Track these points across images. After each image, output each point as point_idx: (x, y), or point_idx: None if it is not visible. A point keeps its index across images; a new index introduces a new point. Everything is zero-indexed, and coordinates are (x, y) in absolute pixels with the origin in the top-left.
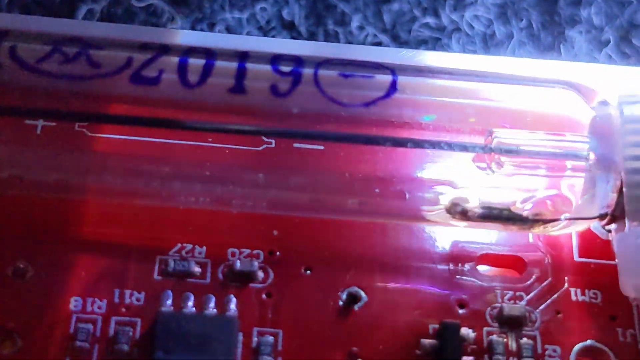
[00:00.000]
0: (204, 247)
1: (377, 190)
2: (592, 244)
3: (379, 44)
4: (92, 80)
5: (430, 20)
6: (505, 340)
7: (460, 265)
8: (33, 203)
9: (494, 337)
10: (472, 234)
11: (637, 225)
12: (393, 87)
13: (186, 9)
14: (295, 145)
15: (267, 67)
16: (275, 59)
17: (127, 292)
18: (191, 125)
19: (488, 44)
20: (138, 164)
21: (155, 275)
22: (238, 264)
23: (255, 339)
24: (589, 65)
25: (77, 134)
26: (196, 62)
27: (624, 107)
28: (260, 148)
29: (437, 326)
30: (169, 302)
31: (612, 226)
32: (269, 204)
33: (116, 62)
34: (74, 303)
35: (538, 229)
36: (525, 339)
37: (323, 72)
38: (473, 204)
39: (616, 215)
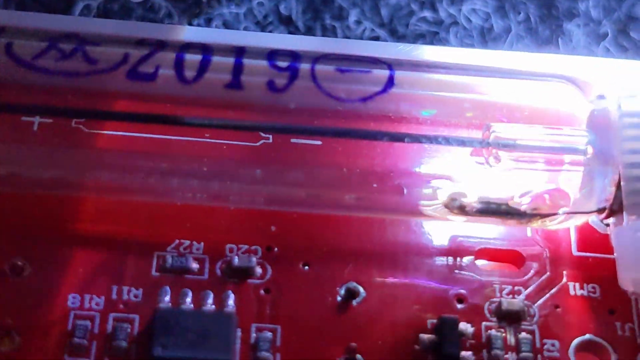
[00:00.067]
0: (202, 243)
1: (374, 185)
2: (590, 238)
3: (376, 38)
4: (89, 76)
5: (427, 14)
6: (503, 334)
7: (458, 260)
8: (30, 200)
9: (493, 331)
10: (470, 229)
11: (635, 219)
12: (390, 82)
13: (182, 3)
14: (293, 140)
15: (264, 63)
16: (272, 55)
17: (125, 288)
18: (188, 121)
19: (486, 37)
20: (135, 160)
21: (153, 272)
22: (236, 260)
23: (253, 334)
24: (587, 59)
25: (74, 131)
26: (193, 58)
27: (622, 101)
28: (258, 144)
29: (435, 321)
30: (167, 298)
31: (611, 220)
32: (266, 199)
33: (113, 58)
34: (71, 300)
35: (536, 224)
36: (523, 334)
37: (320, 67)
38: (471, 199)
39: (614, 209)
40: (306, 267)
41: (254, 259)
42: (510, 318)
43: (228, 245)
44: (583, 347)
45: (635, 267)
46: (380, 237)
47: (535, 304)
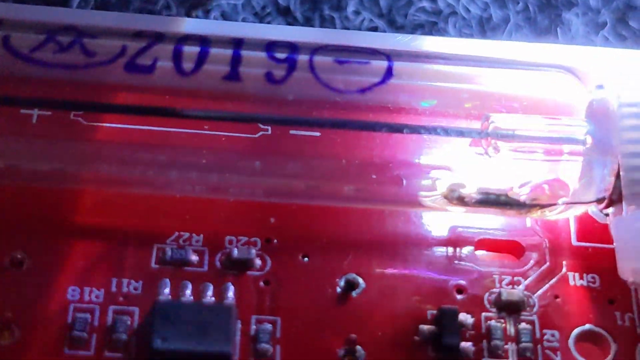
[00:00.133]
0: (201, 235)
1: (373, 176)
2: (590, 228)
3: (375, 28)
4: (87, 69)
5: (426, 4)
6: (503, 325)
7: (458, 250)
8: (29, 193)
9: (493, 322)
10: (469, 219)
11: (634, 208)
12: (389, 72)
13: None
14: (292, 132)
15: (262, 54)
16: (270, 46)
17: (125, 281)
18: (187, 113)
19: (484, 27)
20: (134, 152)
21: (153, 264)
22: (235, 252)
23: (253, 326)
24: (586, 48)
25: (72, 123)
26: (191, 50)
27: (620, 91)
28: (256, 135)
29: (435, 312)
30: (167, 290)
31: (610, 210)
32: (265, 191)
33: (111, 51)
34: (71, 292)
35: (535, 214)
36: (523, 324)
37: (318, 59)
38: (470, 190)
39: (614, 199)
40: (305, 259)
41: (254, 251)
42: (510, 308)
43: (227, 237)
44: (583, 337)
45: (635, 256)
46: (380, 228)
47: (535, 294)
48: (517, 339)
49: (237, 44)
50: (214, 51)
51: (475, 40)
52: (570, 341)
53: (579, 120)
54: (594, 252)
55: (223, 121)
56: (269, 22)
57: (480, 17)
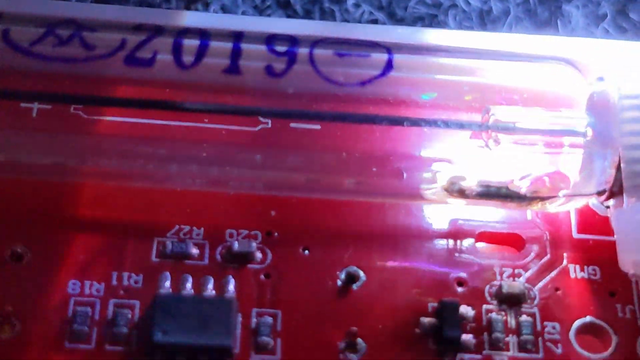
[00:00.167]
0: (202, 229)
1: (374, 169)
2: (590, 220)
3: (375, 21)
4: (87, 62)
5: None
6: (504, 317)
7: (458, 243)
8: (30, 186)
9: (493, 314)
10: (470, 212)
11: (635, 201)
12: (389, 65)
13: None
14: (292, 125)
15: (262, 47)
16: (270, 39)
17: (125, 274)
18: (187, 107)
19: (485, 20)
20: (134, 145)
21: (153, 257)
22: (236, 245)
23: (254, 319)
24: (586, 40)
25: (72, 117)
26: (191, 43)
27: (621, 83)
28: (257, 128)
29: (436, 304)
30: (167, 284)
31: (611, 202)
32: (266, 184)
33: (110, 44)
34: (71, 286)
35: (536, 206)
36: (524, 316)
37: (318, 52)
38: (471, 182)
39: (614, 191)
40: (306, 252)
41: (254, 244)
42: (511, 301)
43: (228, 231)
44: (584, 329)
45: (636, 249)
46: (380, 221)
47: (536, 287)
48: (518, 331)
49: (237, 37)
50: (213, 44)
51: (475, 33)
52: (571, 333)
53: (580, 112)
54: (595, 244)
55: (223, 114)
56: (269, 15)
57: (481, 9)
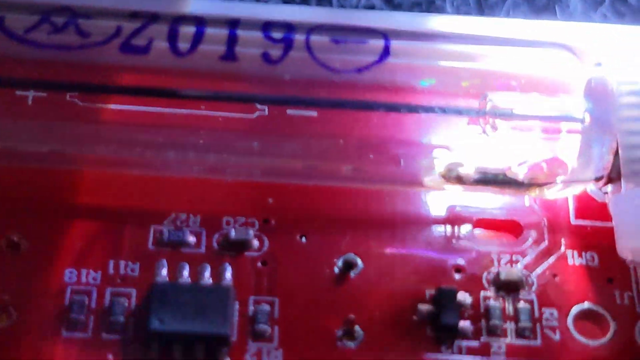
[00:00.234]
0: (199, 216)
1: (371, 156)
2: (588, 206)
3: (372, 7)
4: (82, 50)
5: None
6: (502, 304)
7: (456, 230)
8: (25, 174)
9: (491, 301)
10: (468, 199)
11: (633, 187)
12: (386, 52)
13: None
14: (289, 112)
15: (259, 34)
16: (266, 26)
17: (122, 262)
18: (183, 94)
19: (482, 5)
20: (130, 133)
21: (150, 245)
22: (233, 233)
23: (251, 307)
24: (584, 25)
25: (68, 105)
26: (187, 30)
27: (619, 68)
28: (254, 115)
29: (433, 291)
30: (164, 272)
31: (609, 188)
32: (263, 171)
33: (105, 31)
34: (68, 275)
35: (534, 193)
36: (522, 303)
37: (315, 38)
38: (468, 169)
39: (612, 177)
40: (303, 239)
41: (251, 232)
42: (509, 288)
43: (225, 218)
44: (582, 315)
45: (634, 235)
46: (378, 208)
47: (534, 273)
48: (516, 318)
49: (233, 24)
50: (209, 31)
51: (473, 18)
52: (569, 320)
53: (577, 98)
54: (593, 230)
55: (220, 101)
56: (265, 2)
57: None
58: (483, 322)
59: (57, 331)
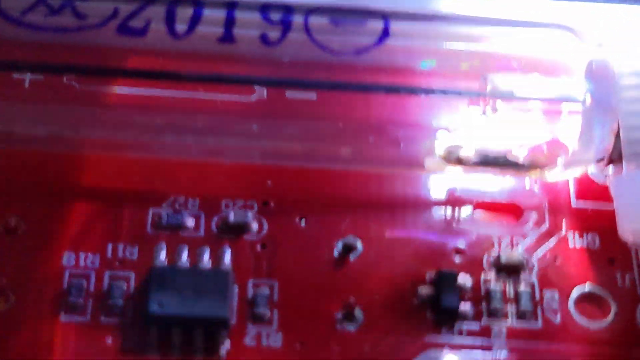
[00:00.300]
0: (197, 199)
1: (371, 138)
2: (589, 188)
3: None
4: (79, 32)
5: None
6: (503, 287)
7: (456, 212)
8: (23, 157)
9: (492, 284)
10: (468, 181)
11: (634, 168)
12: (385, 33)
13: None
14: (287, 94)
15: (257, 16)
16: (264, 7)
17: (120, 245)
18: (181, 76)
19: None
20: (128, 116)
21: (148, 228)
22: (232, 216)
23: (250, 290)
24: (586, 5)
25: (65, 87)
26: (184, 12)
27: (620, 49)
28: (252, 98)
29: (433, 274)
30: (163, 255)
31: (610, 170)
32: (262, 154)
33: (102, 13)
34: (66, 258)
35: (534, 175)
36: (523, 285)
37: (313, 20)
38: (469, 151)
39: (614, 158)
40: (303, 222)
41: (250, 214)
42: (510, 270)
43: (224, 201)
44: (583, 297)
45: (635, 217)
46: (377, 190)
47: (534, 256)
48: (516, 300)
49: (231, 5)
50: (207, 13)
51: None
52: (570, 302)
53: (578, 79)
54: (594, 212)
55: (218, 83)
56: None
57: None
58: (484, 304)
59: (55, 315)
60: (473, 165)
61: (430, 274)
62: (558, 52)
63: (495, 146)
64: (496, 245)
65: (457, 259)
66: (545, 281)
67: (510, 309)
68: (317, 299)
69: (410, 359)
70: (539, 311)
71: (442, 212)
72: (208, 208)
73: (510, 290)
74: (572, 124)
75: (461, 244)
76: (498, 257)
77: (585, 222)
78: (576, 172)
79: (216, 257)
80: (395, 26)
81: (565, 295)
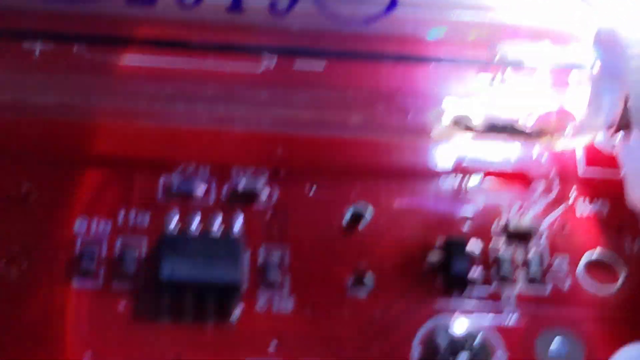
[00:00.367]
0: (208, 167)
1: (380, 107)
2: (597, 156)
3: None
4: (89, 1)
5: None
6: (512, 253)
7: (465, 180)
8: (35, 125)
9: (501, 250)
10: (477, 150)
11: None
12: (394, 2)
13: None
14: (297, 63)
15: None
16: None
17: (132, 212)
18: (192, 45)
19: None
20: (139, 85)
21: (159, 195)
22: (242, 183)
23: (262, 256)
24: None
25: (76, 56)
26: None
27: (629, 17)
28: (262, 66)
29: (443, 241)
30: (174, 222)
31: (618, 137)
32: (272, 121)
33: None
34: (78, 224)
35: (543, 143)
36: (532, 252)
37: None
38: (477, 120)
39: (622, 126)
40: (313, 189)
41: (261, 182)
42: (519, 237)
43: (234, 168)
44: (592, 264)
45: None
46: (387, 158)
47: (543, 223)
48: (526, 266)
49: None
50: None
51: None
52: (579, 268)
53: (587, 47)
54: (602, 180)
55: (228, 52)
56: None
57: None
58: (493, 270)
59: (68, 281)
60: (482, 133)
61: (439, 241)
62: (566, 20)
63: (503, 115)
64: (505, 213)
65: (466, 227)
66: (554, 247)
67: (520, 274)
68: (328, 265)
69: (421, 324)
70: (548, 277)
71: (451, 181)
72: (219, 175)
73: (519, 257)
74: (580, 92)
75: (470, 212)
76: (507, 224)
77: (593, 189)
78: (585, 139)
79: (227, 224)
80: None
81: (574, 261)
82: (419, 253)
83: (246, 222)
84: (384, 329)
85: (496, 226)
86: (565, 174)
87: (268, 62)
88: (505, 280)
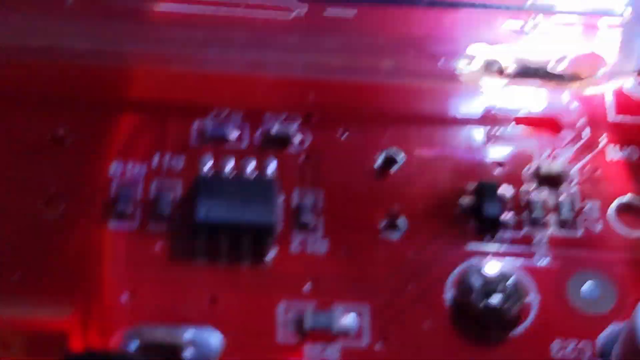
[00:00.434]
0: (241, 112)
1: (411, 51)
2: (628, 101)
3: None
4: None
5: None
6: (543, 197)
7: (497, 126)
8: (70, 70)
9: (532, 194)
10: (507, 96)
11: None
12: None
13: None
14: (328, 8)
15: None
16: None
17: (167, 155)
18: None
19: None
20: (172, 30)
21: (193, 140)
22: (275, 128)
23: (295, 199)
24: None
25: (108, 3)
26: None
27: None
28: (294, 12)
29: (475, 185)
30: (208, 165)
31: None
32: (304, 67)
33: None
34: (114, 168)
35: (574, 87)
36: (563, 196)
37: None
38: (508, 64)
39: None
40: (345, 134)
41: (294, 127)
42: (550, 181)
43: (267, 113)
44: (623, 207)
45: None
46: (418, 104)
47: (574, 167)
48: (557, 210)
49: None
50: None
51: None
52: (610, 212)
53: None
54: (633, 125)
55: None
56: None
57: None
58: (525, 214)
59: (104, 222)
60: (513, 77)
61: (471, 186)
62: None
63: (535, 59)
64: (536, 158)
65: (497, 172)
66: (585, 192)
67: (551, 218)
68: (361, 208)
69: (454, 266)
70: (579, 220)
71: (482, 126)
72: (251, 120)
73: (550, 201)
74: (612, 37)
75: (501, 157)
76: (538, 169)
77: (624, 135)
78: (615, 84)
79: (260, 168)
80: None
81: (605, 205)
82: (451, 197)
83: (279, 166)
84: (417, 271)
85: (527, 171)
86: (595, 120)
87: (300, 8)
88: (537, 224)
